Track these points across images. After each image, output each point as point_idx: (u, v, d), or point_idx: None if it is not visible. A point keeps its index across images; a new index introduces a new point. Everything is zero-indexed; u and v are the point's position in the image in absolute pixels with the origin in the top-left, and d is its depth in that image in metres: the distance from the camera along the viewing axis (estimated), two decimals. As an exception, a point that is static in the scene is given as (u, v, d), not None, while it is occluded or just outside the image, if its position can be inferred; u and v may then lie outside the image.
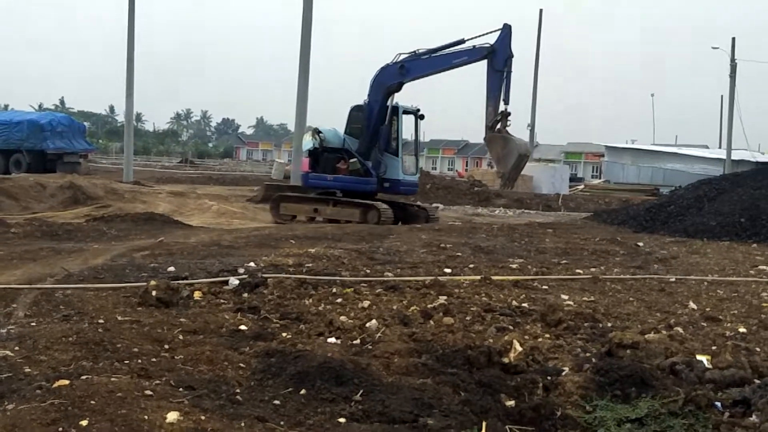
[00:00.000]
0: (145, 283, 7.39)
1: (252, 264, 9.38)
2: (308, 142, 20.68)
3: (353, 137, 20.05)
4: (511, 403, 4.98)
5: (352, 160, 19.68)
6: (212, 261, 9.80)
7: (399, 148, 20.17)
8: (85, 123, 54.31)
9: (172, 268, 9.01)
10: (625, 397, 5.09)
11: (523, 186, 42.08)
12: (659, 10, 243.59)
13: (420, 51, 19.57)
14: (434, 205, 25.99)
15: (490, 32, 18.70)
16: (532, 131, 53.63)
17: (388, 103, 19.78)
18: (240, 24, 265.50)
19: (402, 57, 19.61)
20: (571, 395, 5.12)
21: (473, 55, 18.88)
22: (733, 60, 53.17)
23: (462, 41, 19.08)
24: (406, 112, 20.44)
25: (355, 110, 20.22)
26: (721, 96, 67.62)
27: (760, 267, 11.83)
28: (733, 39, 53.70)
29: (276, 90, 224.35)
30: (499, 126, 18.36)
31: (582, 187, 54.95)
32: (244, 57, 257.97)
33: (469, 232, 16.07)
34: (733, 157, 53.23)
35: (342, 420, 4.37)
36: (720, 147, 65.87)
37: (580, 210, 31.71)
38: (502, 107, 18.37)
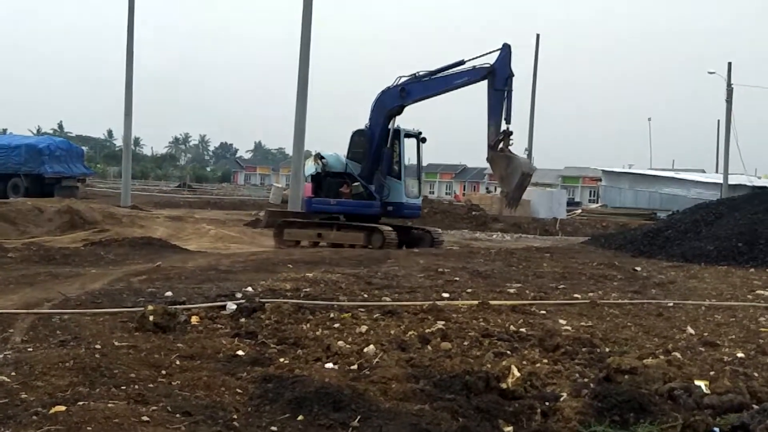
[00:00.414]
0: (142, 308, 7.38)
1: (249, 289, 9.37)
2: (311, 167, 20.61)
3: (355, 162, 20.04)
4: (509, 428, 4.97)
5: (354, 184, 19.65)
6: (210, 286, 9.79)
7: (402, 172, 20.12)
8: (84, 147, 54.42)
9: (169, 293, 9.00)
10: (624, 422, 5.07)
11: (521, 210, 42.05)
12: (656, 34, 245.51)
13: (420, 73, 19.59)
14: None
15: (490, 52, 18.71)
16: (529, 155, 53.77)
17: (390, 126, 19.80)
18: (239, 48, 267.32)
19: (402, 80, 19.63)
20: (570, 421, 5.10)
21: (473, 75, 18.87)
22: (729, 85, 53.51)
23: (462, 62, 19.09)
24: (408, 135, 20.43)
25: (357, 135, 20.21)
26: (718, 120, 68.00)
27: (758, 291, 11.83)
28: (729, 64, 54.13)
29: (274, 114, 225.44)
30: (501, 145, 18.29)
31: (579, 211, 55.15)
32: (242, 81, 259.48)
33: (467, 256, 16.07)
34: (730, 182, 53.39)
35: (339, 446, 4.36)
36: (717, 171, 66.09)
37: (578, 234, 31.77)
38: (503, 126, 18.33)
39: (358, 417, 4.73)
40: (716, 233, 18.52)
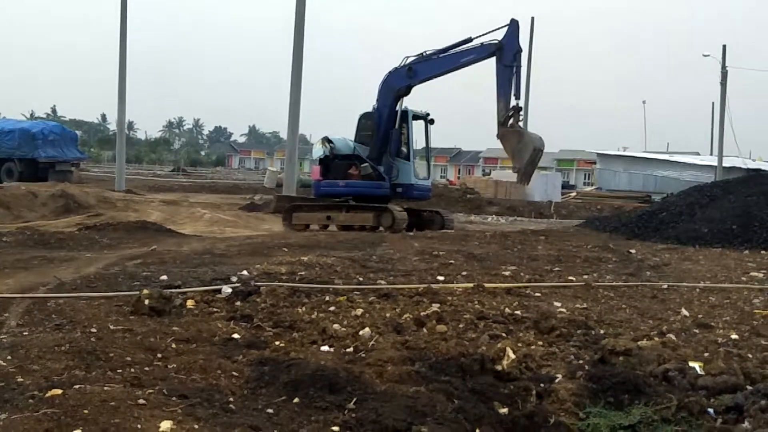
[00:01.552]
0: (137, 292, 7.37)
1: (245, 272, 9.36)
2: (318, 149, 20.40)
3: (363, 145, 19.90)
4: (504, 410, 4.99)
5: (363, 165, 19.47)
6: (205, 269, 9.77)
7: (410, 153, 19.99)
8: (77, 131, 54.22)
9: (164, 277, 8.99)
10: (618, 404, 5.11)
11: (516, 193, 42.24)
12: (651, 17, 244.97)
13: (428, 52, 19.37)
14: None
15: (498, 29, 18.49)
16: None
17: (398, 107, 19.62)
18: (233, 32, 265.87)
19: (410, 59, 19.43)
20: (565, 402, 5.13)
21: (481, 52, 18.64)
22: (724, 67, 53.55)
23: (469, 39, 18.84)
24: (416, 117, 20.27)
25: (364, 118, 20.07)
26: (713, 103, 68.04)
27: (752, 273, 11.85)
28: (724, 46, 54.20)
29: (268, 98, 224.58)
30: (511, 121, 18.14)
31: (574, 194, 55.16)
32: (236, 65, 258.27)
33: (462, 239, 16.06)
34: (724, 164, 53.54)
35: (335, 428, 4.37)
36: (711, 154, 66.23)
37: (573, 217, 31.81)
38: (513, 102, 18.15)
39: (354, 399, 4.74)
40: (710, 215, 18.54)
